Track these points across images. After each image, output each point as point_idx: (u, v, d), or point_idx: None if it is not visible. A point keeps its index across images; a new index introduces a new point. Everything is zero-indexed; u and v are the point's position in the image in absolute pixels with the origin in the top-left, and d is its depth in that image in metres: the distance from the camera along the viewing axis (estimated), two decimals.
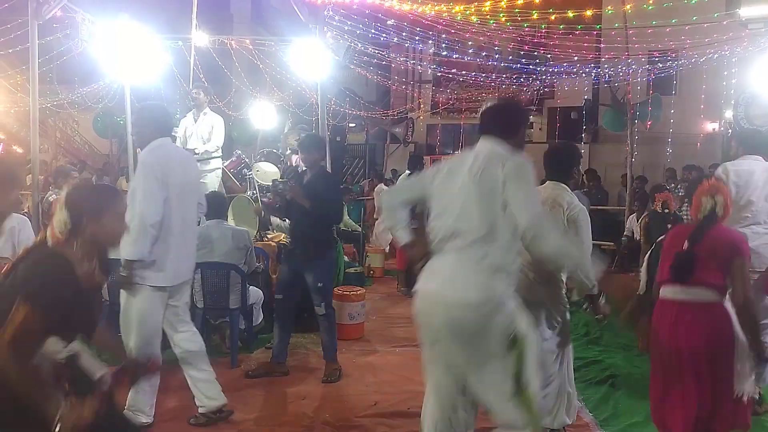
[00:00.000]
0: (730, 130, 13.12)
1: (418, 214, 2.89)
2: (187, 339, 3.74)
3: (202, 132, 6.82)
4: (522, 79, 13.89)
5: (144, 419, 3.54)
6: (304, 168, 4.92)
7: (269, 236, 6.76)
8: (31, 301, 1.83)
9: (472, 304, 2.36)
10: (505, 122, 2.71)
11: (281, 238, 6.51)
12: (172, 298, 3.62)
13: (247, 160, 8.47)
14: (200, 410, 3.75)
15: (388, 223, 2.95)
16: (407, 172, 7.94)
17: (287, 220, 5.28)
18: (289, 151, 8.71)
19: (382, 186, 11.41)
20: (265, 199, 7.60)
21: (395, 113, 17.51)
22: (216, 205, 5.13)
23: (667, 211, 6.66)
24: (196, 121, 6.82)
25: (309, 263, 4.57)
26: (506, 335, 2.38)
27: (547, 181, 3.54)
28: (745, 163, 4.10)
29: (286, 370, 4.72)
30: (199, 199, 3.86)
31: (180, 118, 7.49)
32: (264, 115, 10.33)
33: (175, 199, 3.48)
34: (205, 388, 3.74)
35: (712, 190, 2.96)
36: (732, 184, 3.95)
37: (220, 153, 7.08)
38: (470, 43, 11.97)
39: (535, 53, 12.77)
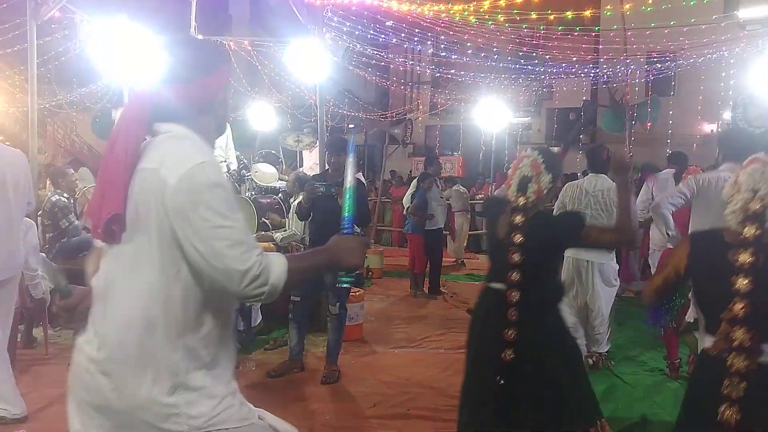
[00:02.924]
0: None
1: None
2: None
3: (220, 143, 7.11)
4: (521, 80, 13.91)
5: (15, 411, 3.62)
6: (326, 169, 4.95)
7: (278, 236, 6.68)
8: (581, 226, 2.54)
9: None
10: None
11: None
12: None
13: (245, 161, 8.49)
14: None
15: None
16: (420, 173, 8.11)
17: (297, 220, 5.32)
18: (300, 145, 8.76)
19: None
20: (263, 200, 7.60)
21: (394, 114, 17.52)
22: None
23: None
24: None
25: None
26: None
27: (590, 173, 4.79)
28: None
29: (302, 366, 4.82)
30: (28, 198, 3.84)
31: None
32: (262, 117, 10.33)
33: None
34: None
35: None
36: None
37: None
38: (469, 44, 11.98)
39: (534, 54, 12.79)
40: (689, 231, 3.74)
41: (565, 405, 2.47)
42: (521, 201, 2.54)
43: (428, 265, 7.97)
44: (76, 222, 5.88)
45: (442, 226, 8.27)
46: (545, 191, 2.59)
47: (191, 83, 1.48)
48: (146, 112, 1.46)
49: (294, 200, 6.56)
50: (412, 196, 7.88)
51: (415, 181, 8.23)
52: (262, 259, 1.42)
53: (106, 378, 1.45)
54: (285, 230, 6.55)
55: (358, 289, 5.92)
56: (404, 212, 8.38)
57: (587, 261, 4.60)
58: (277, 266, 1.45)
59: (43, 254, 5.24)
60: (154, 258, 1.41)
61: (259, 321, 5.55)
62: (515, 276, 2.47)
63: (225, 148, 7.42)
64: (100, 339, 1.47)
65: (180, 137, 1.46)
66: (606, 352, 4.84)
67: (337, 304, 4.67)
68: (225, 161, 7.33)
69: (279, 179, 8.34)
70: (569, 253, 4.55)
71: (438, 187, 8.29)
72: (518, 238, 2.48)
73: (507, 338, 2.46)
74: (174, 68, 1.48)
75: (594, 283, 4.61)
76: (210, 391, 1.49)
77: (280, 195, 7.92)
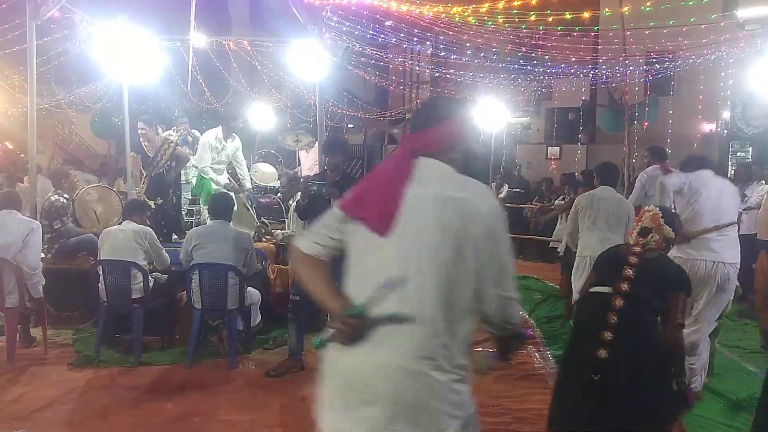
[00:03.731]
0: (725, 131, 13.17)
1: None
2: None
3: (228, 153, 7.22)
4: (519, 80, 13.91)
5: None
6: (325, 169, 4.95)
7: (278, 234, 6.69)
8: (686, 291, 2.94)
9: None
10: None
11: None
12: None
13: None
14: None
15: None
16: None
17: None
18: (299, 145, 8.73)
19: None
20: (262, 200, 7.61)
21: (393, 114, 17.50)
22: (220, 206, 5.14)
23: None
24: (233, 140, 7.21)
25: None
26: None
27: (602, 186, 5.36)
28: None
29: (302, 365, 4.80)
30: None
31: (180, 117, 7.57)
32: (262, 117, 10.33)
33: None
34: None
35: None
36: None
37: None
38: (468, 44, 11.98)
39: (533, 54, 12.79)
40: None
41: (654, 403, 2.74)
42: (640, 242, 3.10)
43: None
44: (70, 224, 5.88)
45: None
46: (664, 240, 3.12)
47: (439, 126, 1.84)
48: (412, 150, 1.82)
49: (292, 201, 6.56)
50: None
51: None
52: None
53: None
54: (284, 230, 6.55)
55: None
56: None
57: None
58: None
59: None
60: (452, 259, 1.66)
61: (258, 321, 5.55)
62: (625, 286, 2.86)
63: (237, 162, 7.45)
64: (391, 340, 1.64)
65: (443, 168, 1.80)
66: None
67: None
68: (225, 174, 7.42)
69: (278, 179, 8.35)
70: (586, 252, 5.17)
71: None
72: (629, 272, 2.92)
73: (604, 339, 2.76)
74: (427, 115, 1.90)
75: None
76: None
77: (279, 195, 7.93)
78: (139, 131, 6.54)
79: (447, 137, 1.84)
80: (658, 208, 3.19)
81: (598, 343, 2.76)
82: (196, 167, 7.13)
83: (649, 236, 3.07)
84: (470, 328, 1.72)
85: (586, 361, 2.78)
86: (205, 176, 7.15)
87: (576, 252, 5.43)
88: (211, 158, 7.07)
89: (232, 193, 6.80)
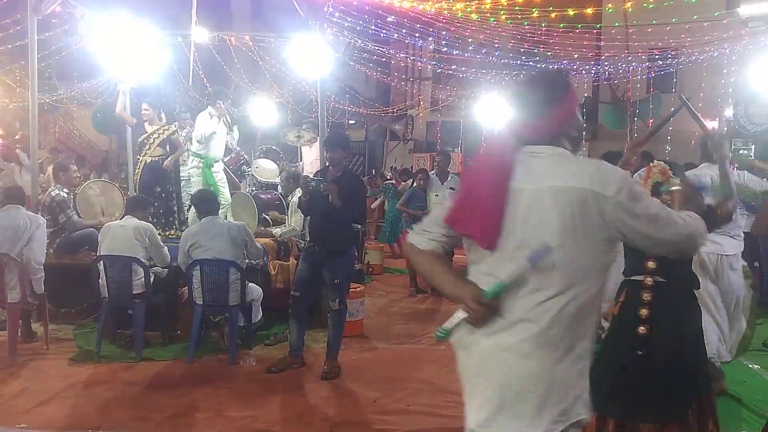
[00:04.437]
0: (725, 129, 13.14)
1: None
2: None
3: (225, 135, 7.00)
4: (522, 76, 13.86)
5: None
6: (327, 165, 4.95)
7: (277, 231, 6.65)
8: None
9: None
10: None
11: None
12: None
13: (246, 157, 8.48)
14: None
15: None
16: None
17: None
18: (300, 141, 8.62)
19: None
20: (263, 195, 7.60)
21: (395, 110, 17.48)
22: (205, 203, 5.14)
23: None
24: (220, 121, 6.89)
25: (328, 260, 4.61)
26: None
27: None
28: None
29: (303, 362, 4.82)
30: None
31: (182, 113, 7.51)
32: (263, 112, 10.32)
33: None
34: None
35: None
36: None
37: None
38: (470, 40, 11.95)
39: (536, 51, 12.75)
40: None
41: (688, 375, 2.87)
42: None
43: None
44: (75, 217, 5.88)
45: None
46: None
47: (554, 109, 1.72)
48: (515, 140, 1.73)
49: (291, 197, 6.54)
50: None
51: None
52: None
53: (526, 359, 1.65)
54: (284, 226, 6.55)
55: (358, 285, 5.93)
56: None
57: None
58: None
59: None
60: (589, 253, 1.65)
61: (259, 316, 5.55)
62: (651, 264, 2.90)
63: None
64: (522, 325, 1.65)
65: (557, 155, 1.71)
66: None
67: (337, 300, 4.67)
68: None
69: (280, 174, 8.33)
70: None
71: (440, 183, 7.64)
72: None
73: (642, 316, 2.89)
74: (538, 100, 1.72)
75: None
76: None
77: (280, 191, 7.92)
78: (143, 112, 6.51)
79: (563, 120, 1.74)
80: (665, 162, 3.07)
81: (637, 321, 2.89)
82: (199, 155, 6.91)
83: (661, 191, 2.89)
84: (593, 317, 1.72)
85: (629, 340, 2.91)
86: (208, 153, 6.86)
87: None
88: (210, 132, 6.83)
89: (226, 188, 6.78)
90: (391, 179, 12.13)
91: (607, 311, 3.45)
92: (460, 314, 1.70)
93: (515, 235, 1.65)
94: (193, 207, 5.74)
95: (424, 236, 1.85)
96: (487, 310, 1.64)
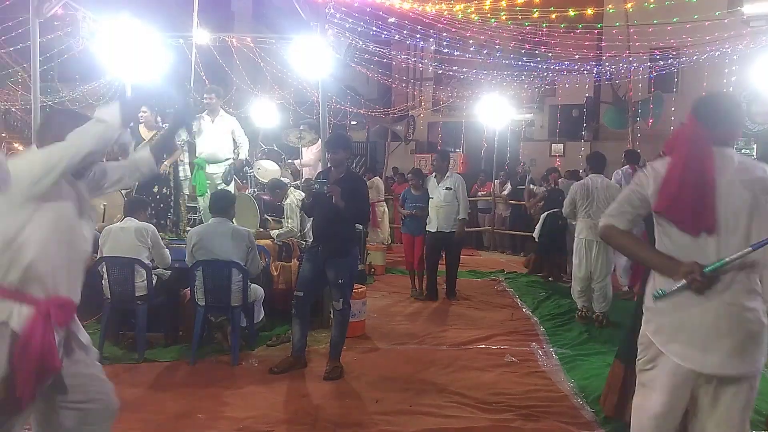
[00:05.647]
0: None
1: None
2: None
3: (220, 135, 6.89)
4: (523, 77, 13.87)
5: None
6: (329, 166, 4.95)
7: (275, 233, 6.62)
8: None
9: None
10: None
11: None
12: None
13: (248, 158, 8.46)
14: None
15: None
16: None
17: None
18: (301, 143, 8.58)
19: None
20: (264, 197, 7.60)
21: (396, 111, 17.47)
22: (222, 203, 5.12)
23: None
24: (213, 122, 6.86)
25: (332, 260, 4.62)
26: None
27: (592, 174, 6.21)
28: None
29: (305, 362, 4.82)
30: None
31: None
32: (265, 113, 10.33)
33: None
34: None
35: None
36: None
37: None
38: (471, 41, 11.96)
39: (536, 51, 12.75)
40: None
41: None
42: None
43: (425, 266, 7.57)
44: None
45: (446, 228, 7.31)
46: None
47: (738, 120, 2.34)
48: (715, 142, 2.24)
49: (285, 200, 6.50)
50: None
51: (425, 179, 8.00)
52: None
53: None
54: (282, 228, 6.52)
55: (360, 285, 5.94)
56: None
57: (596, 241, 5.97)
58: None
59: None
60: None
61: (261, 317, 5.55)
62: None
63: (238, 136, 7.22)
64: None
65: (737, 155, 2.26)
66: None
67: (341, 300, 4.67)
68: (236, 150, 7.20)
69: (281, 177, 8.32)
70: (582, 236, 6.17)
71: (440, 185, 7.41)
72: None
73: None
74: (727, 110, 2.31)
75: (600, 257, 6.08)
76: None
77: (268, 198, 7.87)
78: (141, 114, 6.50)
79: (740, 129, 2.36)
80: None
81: None
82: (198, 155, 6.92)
83: None
84: None
85: None
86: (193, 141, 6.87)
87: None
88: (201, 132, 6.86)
89: (233, 190, 6.78)
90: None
91: None
92: (677, 282, 2.16)
93: (720, 221, 2.14)
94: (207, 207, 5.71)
95: (621, 218, 2.31)
96: (708, 280, 2.12)
